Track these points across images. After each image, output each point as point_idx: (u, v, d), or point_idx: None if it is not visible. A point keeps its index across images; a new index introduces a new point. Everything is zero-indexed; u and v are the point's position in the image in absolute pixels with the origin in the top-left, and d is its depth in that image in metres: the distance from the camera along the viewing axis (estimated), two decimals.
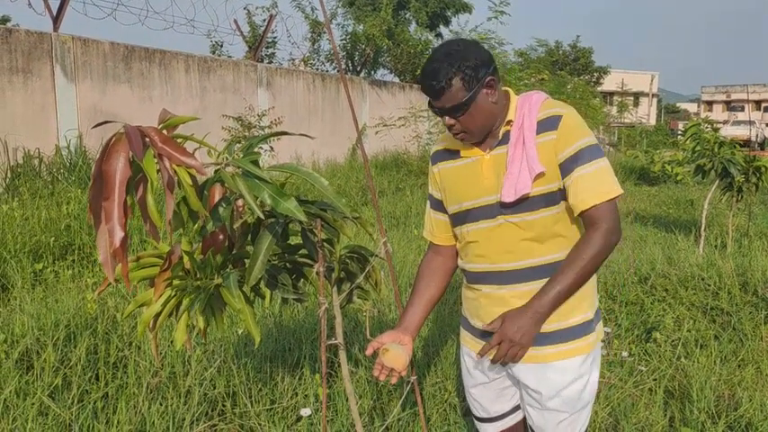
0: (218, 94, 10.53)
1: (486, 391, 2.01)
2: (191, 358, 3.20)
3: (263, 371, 3.18)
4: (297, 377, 3.15)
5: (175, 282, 1.71)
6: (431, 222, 2.05)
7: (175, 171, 1.32)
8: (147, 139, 1.29)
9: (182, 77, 9.87)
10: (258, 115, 8.83)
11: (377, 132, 12.93)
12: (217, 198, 1.64)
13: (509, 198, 1.74)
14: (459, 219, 1.92)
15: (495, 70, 1.78)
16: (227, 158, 1.49)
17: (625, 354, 3.61)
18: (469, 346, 1.99)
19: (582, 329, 1.82)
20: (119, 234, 1.26)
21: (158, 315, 1.75)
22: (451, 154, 1.92)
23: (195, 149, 1.50)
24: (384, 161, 13.10)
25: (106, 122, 1.40)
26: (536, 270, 1.79)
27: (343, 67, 15.42)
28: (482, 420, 2.07)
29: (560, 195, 1.76)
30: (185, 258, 1.67)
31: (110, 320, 3.64)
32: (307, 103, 12.99)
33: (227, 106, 10.36)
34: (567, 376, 1.81)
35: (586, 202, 1.70)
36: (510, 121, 1.79)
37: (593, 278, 1.84)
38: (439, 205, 2.00)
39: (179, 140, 1.39)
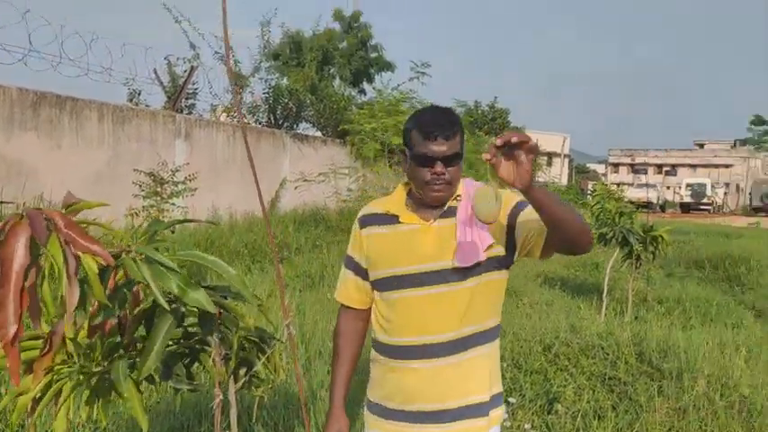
0: (133, 144, 10.24)
1: None
2: None
3: None
4: None
5: (57, 367, 1.62)
6: (347, 285, 1.98)
7: (79, 257, 1.27)
8: (49, 224, 1.23)
9: (94, 126, 9.57)
10: (172, 171, 8.55)
11: (296, 188, 12.90)
12: (112, 283, 1.57)
13: (464, 264, 1.74)
14: (386, 284, 1.85)
15: None
16: (129, 246, 1.45)
17: (528, 426, 3.67)
18: None
19: (501, 399, 1.89)
20: (12, 327, 1.18)
21: (38, 400, 1.63)
22: (389, 219, 1.87)
23: (100, 238, 1.44)
24: (303, 215, 13.02)
25: None
26: (479, 336, 1.81)
27: (265, 120, 15.42)
28: None
29: (507, 260, 1.82)
30: (69, 344, 1.58)
31: None
32: (225, 155, 12.84)
33: (143, 157, 10.08)
34: None
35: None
36: (458, 197, 1.81)
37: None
38: (358, 268, 1.95)
39: (84, 225, 1.34)
